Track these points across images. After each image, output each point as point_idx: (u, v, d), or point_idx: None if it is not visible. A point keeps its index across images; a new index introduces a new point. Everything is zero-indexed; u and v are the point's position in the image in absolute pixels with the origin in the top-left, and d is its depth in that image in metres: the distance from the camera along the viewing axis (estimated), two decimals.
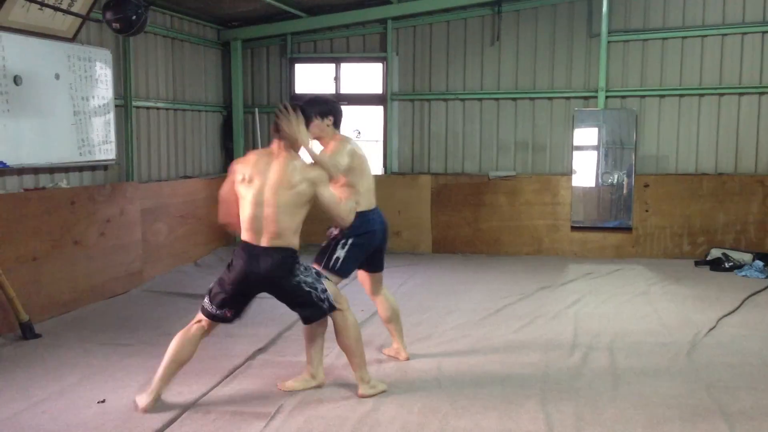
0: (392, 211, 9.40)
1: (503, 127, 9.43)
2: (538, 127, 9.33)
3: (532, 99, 9.30)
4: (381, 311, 4.99)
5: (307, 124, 4.18)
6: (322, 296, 4.08)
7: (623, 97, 9.05)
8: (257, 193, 3.94)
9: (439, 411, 4.02)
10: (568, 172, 9.16)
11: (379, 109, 9.80)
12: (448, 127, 9.59)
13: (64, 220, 6.29)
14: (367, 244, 4.66)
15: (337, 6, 9.20)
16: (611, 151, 9.13)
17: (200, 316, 4.11)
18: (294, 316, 4.53)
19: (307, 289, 4.04)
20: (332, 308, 4.14)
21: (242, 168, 4.04)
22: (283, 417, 3.94)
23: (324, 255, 4.58)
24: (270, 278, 3.96)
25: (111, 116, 7.19)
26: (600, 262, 8.71)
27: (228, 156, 9.66)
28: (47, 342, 5.43)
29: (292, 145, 4.05)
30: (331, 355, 4.86)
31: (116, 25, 6.04)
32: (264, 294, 4.10)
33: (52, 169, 6.53)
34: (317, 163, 4.13)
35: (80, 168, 6.93)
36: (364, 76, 10.00)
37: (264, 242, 3.95)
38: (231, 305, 4.04)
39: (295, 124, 4.03)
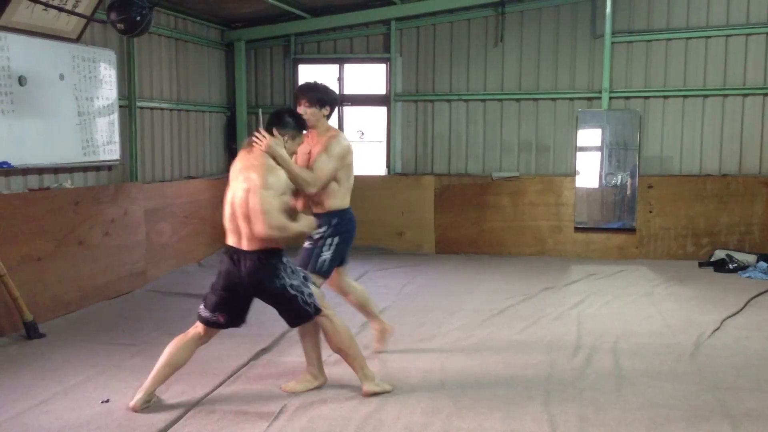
0: (395, 211, 9.42)
1: (507, 127, 9.42)
2: (542, 127, 9.32)
3: (535, 100, 9.30)
4: (353, 299, 5.03)
5: (287, 129, 4.10)
6: (308, 300, 4.05)
7: (627, 98, 9.05)
8: (232, 195, 3.95)
9: (443, 411, 4.01)
10: (572, 173, 9.15)
11: (382, 110, 9.81)
12: (451, 128, 9.58)
13: (69, 221, 6.30)
14: (349, 242, 4.69)
15: (340, 7, 9.21)
16: (615, 152, 9.12)
17: (197, 322, 4.12)
18: None
19: (293, 292, 4.00)
20: (318, 311, 4.10)
21: (232, 169, 4.08)
22: (286, 417, 3.94)
23: (310, 258, 4.53)
24: (252, 281, 3.94)
25: (115, 117, 7.21)
26: (603, 263, 8.70)
27: (231, 157, 9.63)
28: (51, 342, 5.45)
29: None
30: (334, 356, 4.85)
31: (120, 26, 6.04)
32: None
33: (56, 170, 6.55)
34: (291, 176, 4.05)
35: (84, 168, 6.94)
36: (368, 76, 10.01)
37: (244, 245, 3.91)
38: (222, 310, 4.02)
39: (270, 146, 3.98)
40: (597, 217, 9.19)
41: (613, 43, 8.91)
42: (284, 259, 4.00)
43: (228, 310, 4.04)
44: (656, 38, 8.90)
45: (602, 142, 9.12)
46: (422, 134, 9.68)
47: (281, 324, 5.70)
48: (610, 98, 9.00)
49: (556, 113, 9.26)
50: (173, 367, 4.08)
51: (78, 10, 6.13)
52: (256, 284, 3.95)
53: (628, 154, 9.05)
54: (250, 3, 8.46)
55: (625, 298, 6.89)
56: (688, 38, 8.82)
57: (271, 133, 4.06)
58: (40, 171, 6.37)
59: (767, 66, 8.64)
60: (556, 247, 9.19)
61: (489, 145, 9.49)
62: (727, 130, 8.84)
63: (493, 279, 7.81)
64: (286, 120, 4.10)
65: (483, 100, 9.44)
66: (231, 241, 3.97)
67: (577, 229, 9.14)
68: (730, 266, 8.15)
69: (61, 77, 6.45)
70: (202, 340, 4.13)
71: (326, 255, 4.56)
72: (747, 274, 7.86)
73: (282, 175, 3.97)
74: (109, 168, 7.32)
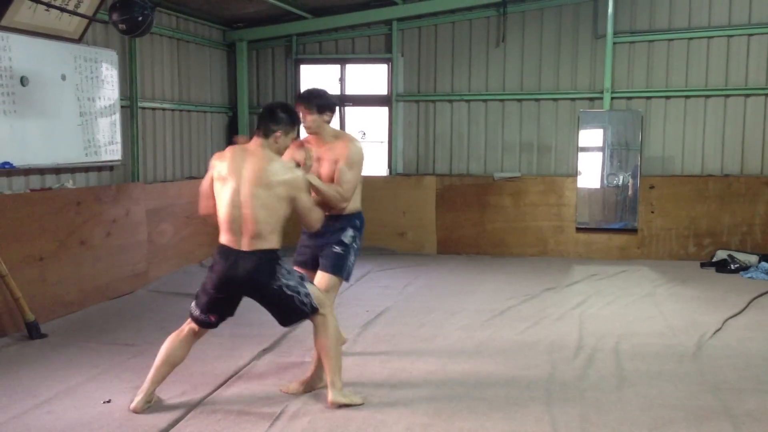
0: (397, 212, 9.42)
1: (508, 128, 9.42)
2: (543, 128, 9.32)
3: (537, 100, 9.30)
4: None
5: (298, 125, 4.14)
6: (304, 300, 3.97)
7: (629, 98, 9.04)
8: (233, 193, 3.84)
9: (444, 412, 4.01)
10: (574, 174, 9.15)
11: (384, 110, 9.81)
12: (453, 128, 9.59)
13: (70, 221, 6.31)
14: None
15: (342, 7, 9.22)
16: (617, 153, 9.11)
17: (189, 319, 4.08)
18: None
19: (290, 293, 3.93)
20: (314, 311, 4.01)
21: (219, 164, 3.94)
22: (288, 417, 3.94)
23: (340, 266, 4.46)
24: (250, 283, 3.88)
25: (117, 117, 7.22)
26: (605, 264, 8.69)
27: None
28: (53, 342, 5.45)
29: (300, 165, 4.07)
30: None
31: (122, 26, 6.05)
32: None
33: (58, 170, 6.56)
34: (323, 196, 4.25)
35: (86, 169, 6.95)
36: (369, 77, 10.01)
37: (243, 245, 3.85)
38: (214, 310, 3.98)
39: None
40: (599, 217, 9.19)
41: (614, 43, 8.90)
42: (281, 261, 3.95)
43: (219, 311, 4.00)
44: (658, 38, 8.89)
45: (604, 142, 9.11)
46: (424, 135, 9.68)
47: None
48: (612, 98, 9.00)
49: (558, 113, 9.26)
50: (171, 365, 4.05)
51: (80, 10, 6.14)
52: (254, 285, 3.90)
53: (630, 154, 9.04)
54: (252, 3, 8.46)
55: (627, 298, 6.89)
56: (690, 38, 8.81)
57: (270, 132, 3.95)
58: (42, 171, 6.38)
59: None
60: (558, 248, 9.19)
61: (491, 146, 9.48)
62: (729, 130, 8.83)
63: (494, 279, 7.80)
64: (279, 115, 3.96)
65: (485, 101, 9.44)
66: (227, 240, 3.90)
67: (578, 229, 9.13)
68: (732, 267, 8.15)
69: (63, 77, 6.46)
70: (197, 336, 4.10)
71: (352, 259, 4.58)
72: (749, 275, 7.86)
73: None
74: (111, 168, 7.33)
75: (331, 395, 4.05)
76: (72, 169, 6.73)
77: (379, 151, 11.22)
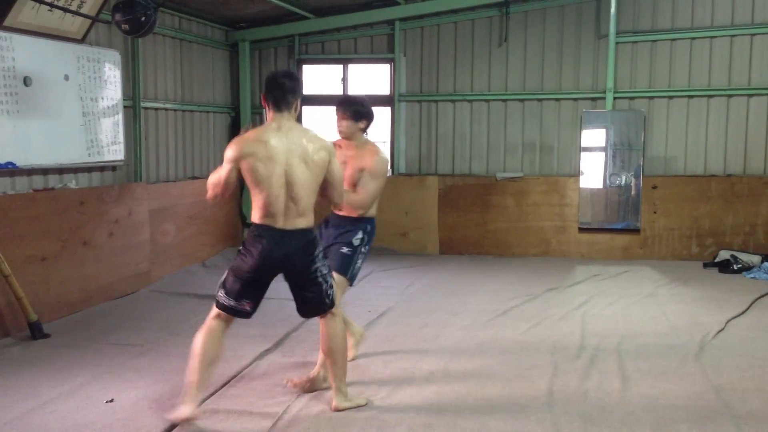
0: (399, 212, 9.42)
1: (511, 128, 9.42)
2: (546, 128, 9.32)
3: (539, 100, 9.29)
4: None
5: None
6: (329, 292, 3.93)
7: (631, 98, 9.04)
8: (282, 173, 3.70)
9: (447, 412, 4.01)
10: (576, 174, 9.14)
11: (386, 110, 9.80)
12: (455, 128, 9.59)
13: (73, 221, 6.32)
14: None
15: (344, 7, 9.22)
16: (619, 153, 9.10)
17: (216, 310, 3.86)
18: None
19: (320, 280, 3.87)
20: (332, 306, 3.98)
21: (254, 146, 3.72)
22: (290, 418, 3.94)
23: (346, 266, 4.50)
24: (292, 262, 3.76)
25: (120, 117, 7.22)
26: (608, 264, 8.69)
27: None
28: (56, 342, 5.46)
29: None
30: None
31: (125, 27, 6.06)
32: (269, 294, 4.00)
33: (61, 170, 6.56)
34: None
35: (89, 169, 6.96)
36: (372, 77, 10.01)
37: (287, 224, 3.73)
38: (249, 295, 3.80)
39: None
40: (601, 217, 9.18)
41: (617, 43, 8.90)
42: (318, 241, 3.89)
43: (254, 296, 3.82)
44: (661, 38, 8.88)
45: (606, 142, 9.11)
46: (426, 135, 9.68)
47: (285, 324, 5.74)
48: (615, 98, 8.99)
49: (560, 113, 9.26)
50: (210, 363, 3.80)
51: (83, 10, 6.14)
52: (296, 264, 3.77)
53: (633, 154, 9.04)
54: (255, 3, 8.47)
55: (630, 298, 6.88)
56: (692, 38, 8.81)
57: (290, 104, 3.83)
58: (45, 171, 6.38)
59: None
60: (560, 248, 9.18)
61: (493, 146, 9.48)
62: (731, 130, 8.82)
63: (497, 279, 7.80)
64: (291, 85, 3.85)
65: (487, 101, 9.44)
66: (269, 221, 3.73)
67: (581, 229, 9.13)
68: (735, 267, 8.14)
69: (66, 78, 6.47)
70: (227, 326, 3.89)
71: (359, 263, 4.61)
72: (751, 275, 7.85)
73: None
74: (114, 168, 7.34)
75: (336, 401, 4.02)
76: (75, 169, 6.74)
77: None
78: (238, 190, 4.22)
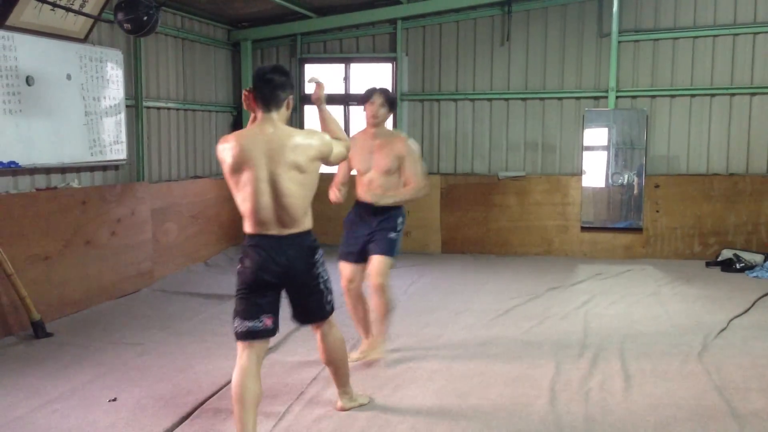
0: None
1: (513, 127, 9.41)
2: (548, 127, 9.31)
3: (541, 99, 9.28)
4: (363, 303, 4.97)
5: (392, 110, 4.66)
6: (329, 298, 3.71)
7: (634, 97, 9.02)
8: (257, 181, 3.39)
9: (449, 411, 4.02)
10: (578, 173, 9.14)
11: None
12: (457, 128, 9.58)
13: (76, 220, 6.32)
14: None
15: (346, 6, 9.22)
16: (621, 152, 9.10)
17: (240, 346, 3.47)
18: None
19: (322, 287, 3.63)
20: (332, 312, 3.76)
21: (228, 153, 3.47)
22: (292, 416, 3.95)
23: (393, 249, 4.75)
24: (295, 268, 3.48)
25: (122, 116, 7.23)
26: (610, 263, 8.68)
27: None
28: (59, 341, 5.47)
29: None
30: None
31: (127, 26, 6.05)
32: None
33: (63, 169, 6.57)
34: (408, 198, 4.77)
35: (91, 168, 6.96)
36: (374, 76, 10.00)
37: (284, 230, 3.45)
38: (265, 310, 3.46)
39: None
40: (603, 216, 9.17)
41: (619, 42, 8.89)
42: (318, 245, 3.64)
43: (268, 309, 3.47)
44: (663, 37, 8.87)
45: (609, 141, 9.10)
46: (428, 134, 9.67)
47: (287, 324, 5.72)
48: (617, 97, 8.98)
49: (563, 112, 9.25)
50: (254, 407, 3.40)
51: (85, 10, 6.14)
52: (294, 272, 3.48)
53: (635, 153, 9.03)
54: (257, 3, 8.47)
55: (632, 297, 6.88)
56: (695, 37, 8.79)
57: (280, 101, 3.56)
58: (48, 171, 6.39)
59: None
60: (563, 247, 9.18)
61: (495, 145, 9.48)
62: (734, 129, 8.80)
63: (499, 279, 7.80)
64: (281, 80, 3.57)
65: (489, 100, 9.43)
66: (258, 230, 3.46)
67: (583, 228, 9.12)
68: (738, 266, 8.13)
69: (69, 77, 6.48)
70: (259, 357, 3.48)
71: (400, 243, 4.89)
72: (754, 274, 7.84)
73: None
74: (116, 167, 7.35)
75: (341, 402, 4.03)
76: (77, 169, 6.75)
77: None
78: None
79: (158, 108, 8.07)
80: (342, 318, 5.12)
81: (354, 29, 9.65)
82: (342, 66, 9.82)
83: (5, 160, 5.76)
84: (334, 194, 4.71)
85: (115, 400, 4.21)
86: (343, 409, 4.00)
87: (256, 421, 3.41)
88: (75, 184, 6.60)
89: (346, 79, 9.82)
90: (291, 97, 3.62)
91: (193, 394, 4.28)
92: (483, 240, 9.33)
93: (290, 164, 3.42)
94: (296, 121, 9.72)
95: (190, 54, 8.72)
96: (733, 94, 8.76)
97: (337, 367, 3.91)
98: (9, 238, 5.54)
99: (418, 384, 4.47)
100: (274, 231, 3.46)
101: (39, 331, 5.54)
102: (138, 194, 7.24)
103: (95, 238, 6.57)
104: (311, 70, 9.96)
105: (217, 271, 8.21)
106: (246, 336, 3.44)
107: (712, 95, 8.82)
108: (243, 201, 3.46)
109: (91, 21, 6.37)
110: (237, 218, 3.99)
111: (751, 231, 8.66)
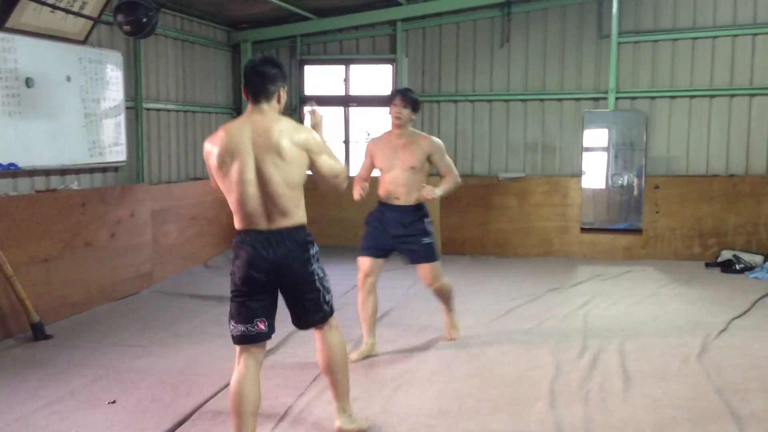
0: None
1: (513, 128, 9.41)
2: (548, 128, 9.31)
3: (541, 100, 9.28)
4: (371, 300, 5.07)
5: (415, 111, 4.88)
6: (327, 298, 3.52)
7: (633, 98, 9.02)
8: (242, 170, 3.25)
9: (449, 413, 4.01)
10: (578, 174, 9.14)
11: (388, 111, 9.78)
12: (457, 129, 9.58)
13: (75, 222, 6.32)
14: None
15: (346, 8, 9.22)
16: (621, 153, 9.10)
17: (239, 349, 3.38)
18: None
19: (318, 285, 3.45)
20: (332, 314, 3.58)
21: (214, 148, 3.32)
22: (292, 418, 3.95)
23: (434, 253, 5.01)
24: (288, 265, 3.33)
25: (122, 118, 7.23)
26: (610, 264, 8.68)
27: None
28: (58, 343, 5.47)
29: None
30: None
31: (127, 28, 6.06)
32: None
33: (63, 171, 6.57)
34: (450, 191, 4.98)
35: (91, 170, 6.97)
36: (374, 77, 10.01)
37: (273, 225, 3.31)
38: (258, 313, 3.33)
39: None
40: (603, 217, 9.17)
41: (619, 43, 8.89)
42: (313, 242, 3.47)
43: (262, 312, 3.35)
44: (663, 38, 8.87)
45: (608, 142, 9.11)
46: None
47: (287, 325, 5.71)
48: (617, 98, 8.98)
49: (563, 114, 9.25)
50: (252, 415, 3.33)
51: (85, 11, 6.15)
52: (286, 269, 3.33)
53: (635, 154, 9.03)
54: (257, 4, 8.47)
55: (632, 298, 6.87)
56: (694, 38, 8.79)
57: (270, 94, 3.39)
58: (47, 172, 6.39)
59: None
60: (563, 248, 9.18)
61: (495, 146, 9.48)
62: (734, 130, 8.80)
63: (499, 280, 7.80)
64: (272, 72, 3.41)
65: (489, 101, 9.44)
66: (247, 225, 3.32)
67: (583, 229, 9.12)
68: (737, 267, 8.13)
69: (68, 79, 6.48)
70: (257, 362, 3.39)
71: (435, 244, 5.11)
72: (754, 275, 7.84)
73: None
74: (116, 169, 7.35)
75: (339, 422, 3.70)
76: (77, 170, 6.75)
77: None
78: None
79: (158, 110, 8.07)
80: (343, 319, 5.14)
81: (354, 30, 9.66)
82: (342, 67, 9.83)
83: (5, 162, 5.77)
84: (358, 191, 4.87)
85: (114, 402, 4.20)
86: (340, 430, 3.70)
87: (255, 429, 3.35)
88: (74, 186, 6.61)
89: (346, 80, 9.82)
90: (282, 89, 3.45)
91: (192, 396, 4.27)
92: (483, 241, 9.33)
93: (274, 148, 3.26)
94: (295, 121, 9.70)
95: (190, 55, 8.73)
96: (732, 95, 8.76)
97: (336, 376, 3.64)
98: (8, 240, 5.54)
99: (418, 385, 4.47)
100: (262, 226, 3.31)
101: (38, 333, 5.53)
102: (138, 196, 7.24)
103: (95, 240, 6.57)
104: (311, 71, 9.96)
105: (217, 272, 8.21)
106: (240, 340, 3.36)
107: (712, 96, 8.82)
108: (229, 192, 3.32)
109: (90, 23, 6.38)
110: None
111: (751, 232, 8.66)
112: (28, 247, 5.78)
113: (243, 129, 3.31)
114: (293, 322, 3.60)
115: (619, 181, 9.08)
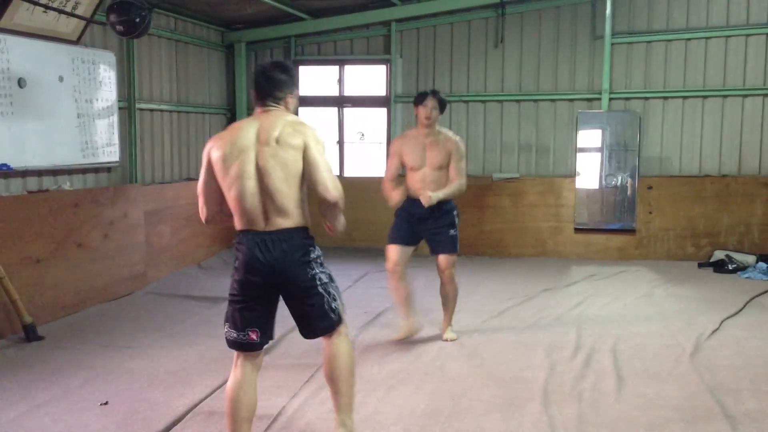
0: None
1: (507, 129, 9.42)
2: (542, 129, 9.32)
3: (535, 101, 9.30)
4: (403, 287, 5.47)
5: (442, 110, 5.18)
6: (332, 305, 3.36)
7: (627, 99, 9.04)
8: (243, 163, 3.19)
9: (442, 413, 4.01)
10: (572, 174, 9.15)
11: (382, 111, 9.80)
12: (451, 129, 9.53)
13: (68, 223, 6.30)
14: None
15: (340, 8, 9.22)
16: (615, 153, 9.12)
17: (235, 353, 3.33)
18: None
19: (321, 290, 3.31)
20: (340, 321, 3.41)
21: (219, 145, 3.27)
22: (285, 419, 3.94)
23: (456, 245, 5.32)
24: (286, 269, 3.21)
25: (115, 118, 7.21)
26: (603, 264, 8.69)
27: None
28: (50, 344, 5.44)
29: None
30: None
31: (120, 28, 6.05)
32: None
33: (55, 172, 6.55)
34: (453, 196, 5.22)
35: (84, 170, 6.95)
36: (368, 78, 10.01)
37: (270, 225, 3.22)
38: (252, 322, 3.24)
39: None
40: (597, 218, 9.19)
41: (612, 44, 8.90)
42: (315, 244, 3.34)
43: (256, 322, 3.25)
44: (656, 39, 8.89)
45: (602, 143, 9.13)
46: None
47: (281, 326, 5.70)
48: (610, 99, 9.00)
49: (556, 114, 9.26)
50: (246, 421, 3.27)
51: (77, 11, 6.13)
52: (285, 273, 3.22)
53: (628, 155, 9.05)
54: (251, 4, 8.46)
55: (625, 299, 6.89)
56: (688, 39, 8.82)
57: (278, 100, 3.38)
58: (40, 173, 6.37)
59: (767, 67, 8.64)
60: (556, 248, 9.19)
61: (489, 147, 9.49)
62: (726, 130, 8.83)
63: (493, 280, 7.80)
64: (282, 78, 3.38)
65: (483, 102, 9.44)
66: (245, 224, 3.25)
67: (577, 230, 9.13)
68: (730, 267, 8.15)
69: (61, 79, 6.46)
70: (254, 367, 3.33)
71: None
72: (746, 275, 7.86)
73: None
74: (109, 170, 7.33)
75: None
76: (69, 171, 6.73)
77: (377, 152, 11.22)
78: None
79: (151, 110, 8.06)
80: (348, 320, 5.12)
81: (348, 31, 9.65)
82: (336, 68, 9.83)
83: None
84: (395, 195, 5.20)
85: (106, 403, 4.19)
86: None
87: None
88: (67, 187, 6.58)
89: (340, 81, 9.82)
90: (291, 96, 3.41)
91: (185, 397, 4.26)
92: (477, 241, 9.34)
93: (274, 140, 3.20)
94: None
95: (184, 56, 8.71)
96: (725, 96, 8.79)
97: (339, 386, 3.43)
98: (0, 240, 5.52)
99: (412, 385, 4.47)
100: (260, 226, 3.22)
101: (30, 334, 5.51)
102: (131, 196, 7.22)
103: (87, 241, 6.55)
104: (306, 72, 9.95)
105: (211, 273, 8.19)
106: (233, 345, 3.30)
107: (705, 97, 8.84)
108: (229, 188, 3.23)
109: (83, 23, 6.36)
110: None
111: (744, 232, 8.69)
112: (21, 248, 5.76)
113: (250, 126, 3.30)
114: (300, 331, 3.45)
115: (613, 182, 9.10)
